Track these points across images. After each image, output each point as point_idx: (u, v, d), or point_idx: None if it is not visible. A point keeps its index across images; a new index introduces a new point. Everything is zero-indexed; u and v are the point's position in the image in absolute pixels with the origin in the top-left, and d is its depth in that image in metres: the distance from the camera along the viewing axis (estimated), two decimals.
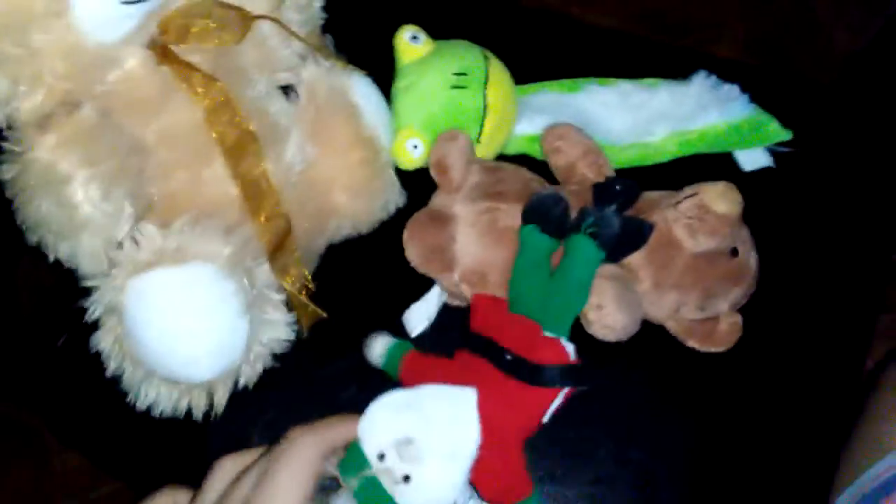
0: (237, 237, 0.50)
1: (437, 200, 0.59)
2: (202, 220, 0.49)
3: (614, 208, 0.54)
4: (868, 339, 0.60)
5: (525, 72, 0.67)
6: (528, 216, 0.54)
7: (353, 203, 0.59)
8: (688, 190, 0.55)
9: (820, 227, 0.63)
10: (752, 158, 0.64)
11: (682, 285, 0.54)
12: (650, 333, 0.55)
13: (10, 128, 0.46)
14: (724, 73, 0.66)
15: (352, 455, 0.43)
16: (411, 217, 0.58)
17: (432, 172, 0.59)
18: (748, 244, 0.56)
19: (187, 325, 0.47)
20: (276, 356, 0.54)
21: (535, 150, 0.65)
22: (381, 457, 0.43)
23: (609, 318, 0.51)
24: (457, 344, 0.52)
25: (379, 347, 0.55)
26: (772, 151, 0.64)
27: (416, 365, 0.53)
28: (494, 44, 0.66)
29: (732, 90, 0.64)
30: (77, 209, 0.44)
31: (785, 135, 0.64)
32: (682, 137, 0.63)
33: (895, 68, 0.89)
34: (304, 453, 0.41)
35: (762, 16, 1.27)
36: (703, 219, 0.53)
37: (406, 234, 0.57)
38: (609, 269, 0.53)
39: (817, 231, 0.63)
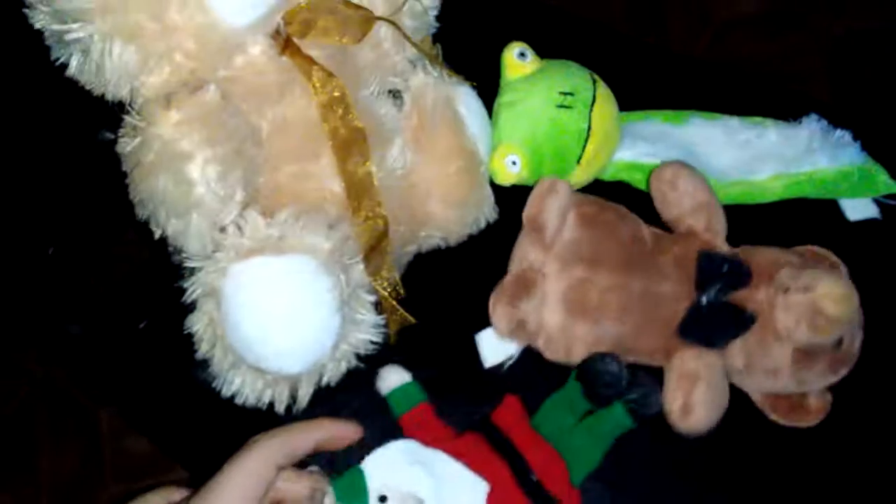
0: (338, 233, 0.50)
1: (529, 255, 0.56)
2: (306, 214, 0.49)
3: (718, 288, 0.52)
4: None
5: (626, 100, 0.66)
6: (579, 376, 0.54)
7: (447, 213, 0.59)
8: (801, 278, 0.51)
9: None
10: (859, 208, 0.62)
11: (776, 372, 0.52)
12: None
13: (131, 102, 0.47)
14: (834, 118, 0.64)
15: (351, 480, 0.45)
16: (499, 283, 0.56)
17: (525, 230, 0.57)
18: (856, 331, 0.53)
19: (284, 314, 0.47)
20: (360, 357, 0.53)
21: (633, 178, 0.64)
22: (383, 499, 0.45)
23: (694, 421, 0.50)
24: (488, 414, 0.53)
25: (394, 380, 0.55)
26: (879, 203, 0.62)
27: (424, 420, 0.52)
28: (599, 69, 0.65)
29: (844, 136, 0.62)
30: (193, 187, 0.44)
31: (894, 186, 0.62)
32: (789, 179, 0.61)
33: None
34: (257, 457, 0.42)
35: (852, 68, 1.25)
36: (813, 319, 0.50)
37: (492, 302, 0.55)
38: (703, 359, 0.51)
39: None
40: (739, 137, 0.63)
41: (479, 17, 0.73)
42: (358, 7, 0.53)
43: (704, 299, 0.52)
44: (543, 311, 0.55)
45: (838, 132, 0.62)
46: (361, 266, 0.52)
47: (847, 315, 0.50)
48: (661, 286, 0.53)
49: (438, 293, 0.61)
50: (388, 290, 0.55)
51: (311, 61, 0.50)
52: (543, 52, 0.65)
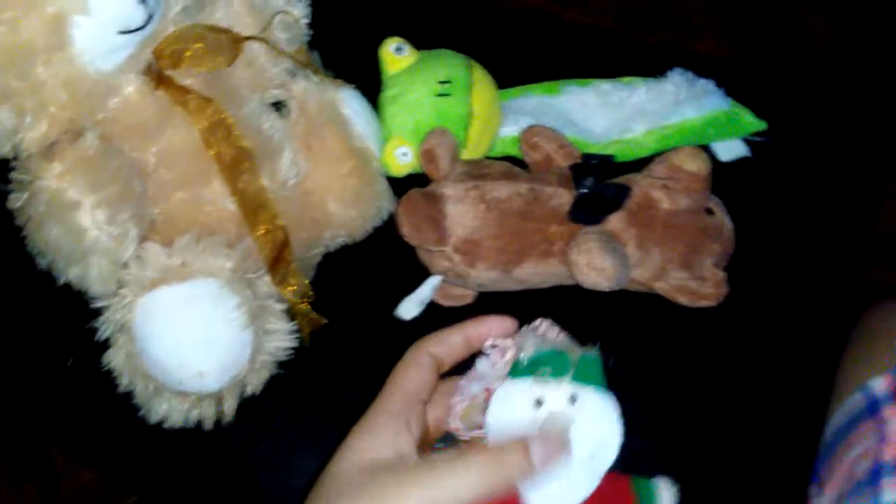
0: (238, 251, 0.52)
1: (428, 187, 0.62)
2: (204, 237, 0.51)
3: (593, 180, 0.58)
4: (852, 318, 0.63)
5: (508, 74, 0.70)
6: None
7: (347, 212, 0.61)
8: (657, 159, 0.59)
9: (799, 211, 0.65)
10: (730, 149, 0.66)
11: (664, 242, 0.58)
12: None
13: (16, 158, 0.48)
14: (701, 68, 0.68)
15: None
16: (403, 196, 0.60)
17: (421, 162, 0.62)
18: (721, 207, 0.60)
19: (195, 338, 0.49)
20: (280, 364, 0.56)
21: (519, 152, 0.67)
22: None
23: (598, 260, 0.54)
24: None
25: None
26: (749, 142, 0.67)
27: None
28: (477, 49, 0.68)
29: (708, 85, 0.66)
30: (85, 234, 0.46)
31: (760, 125, 0.66)
32: (661, 132, 0.65)
33: (870, 53, 0.91)
34: (410, 353, 0.41)
35: (741, 9, 1.29)
36: (675, 178, 0.57)
37: (399, 208, 0.59)
38: (592, 229, 0.57)
39: (796, 215, 0.65)
40: (612, 99, 0.67)
41: (353, 19, 0.75)
42: (225, 31, 0.54)
43: (585, 186, 0.59)
44: (448, 216, 0.59)
45: (702, 81, 0.66)
46: (267, 278, 0.55)
47: (703, 167, 0.57)
48: (545, 188, 0.59)
49: (353, 287, 0.64)
50: (298, 295, 0.57)
51: (185, 91, 0.52)
52: (420, 42, 0.68)
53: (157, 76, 0.51)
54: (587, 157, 0.61)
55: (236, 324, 0.50)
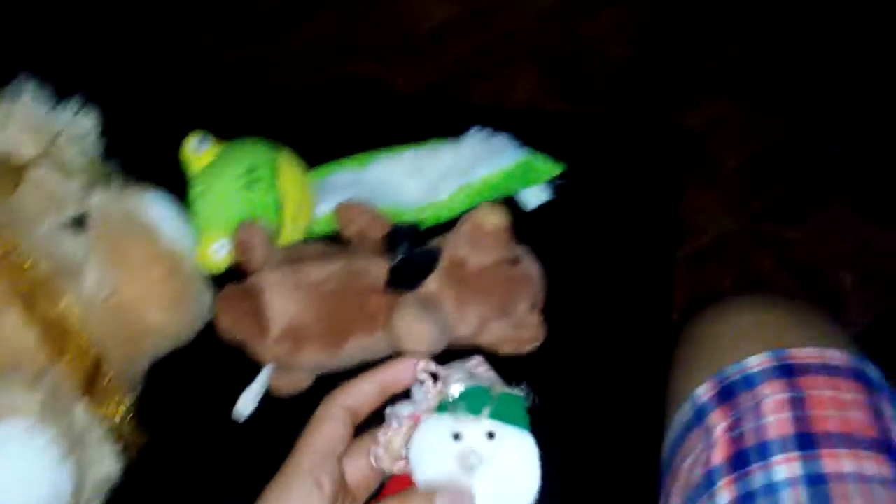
0: (46, 383, 0.50)
1: (247, 280, 0.62)
2: (6, 373, 0.49)
3: (406, 247, 0.60)
4: (665, 332, 0.67)
5: (318, 152, 0.71)
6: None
7: (167, 318, 0.60)
8: (462, 218, 0.62)
9: (604, 243, 0.69)
10: (534, 196, 0.69)
11: (478, 298, 0.60)
12: None
13: None
14: (502, 121, 0.72)
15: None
16: (218, 294, 0.60)
17: (236, 256, 0.62)
18: (528, 254, 0.63)
19: (9, 482, 0.47)
20: (112, 489, 0.54)
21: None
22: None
23: (413, 326, 0.56)
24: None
25: None
26: (551, 186, 0.70)
27: None
28: (282, 131, 0.69)
29: (502, 139, 0.69)
30: None
31: (557, 169, 0.70)
32: (467, 191, 0.68)
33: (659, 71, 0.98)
34: (323, 406, 0.43)
35: (550, 48, 1.36)
36: (478, 234, 0.60)
37: (216, 305, 0.59)
38: (410, 295, 0.59)
39: (602, 245, 0.69)
40: (418, 165, 0.69)
41: (150, 119, 0.74)
42: (1, 159, 0.53)
43: (398, 255, 0.60)
44: (268, 306, 0.59)
45: (497, 137, 0.70)
46: (83, 404, 0.53)
47: (502, 222, 0.60)
48: (361, 262, 0.61)
49: (188, 389, 0.63)
50: (122, 413, 0.56)
51: None
52: (224, 132, 0.68)
53: None
54: (396, 227, 0.63)
55: (50, 459, 0.48)
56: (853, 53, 1.29)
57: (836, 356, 0.53)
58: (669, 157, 0.75)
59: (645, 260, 0.69)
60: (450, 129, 0.72)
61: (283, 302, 0.59)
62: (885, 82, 1.31)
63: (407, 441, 0.41)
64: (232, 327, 0.58)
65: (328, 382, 0.61)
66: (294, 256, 0.62)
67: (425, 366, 0.43)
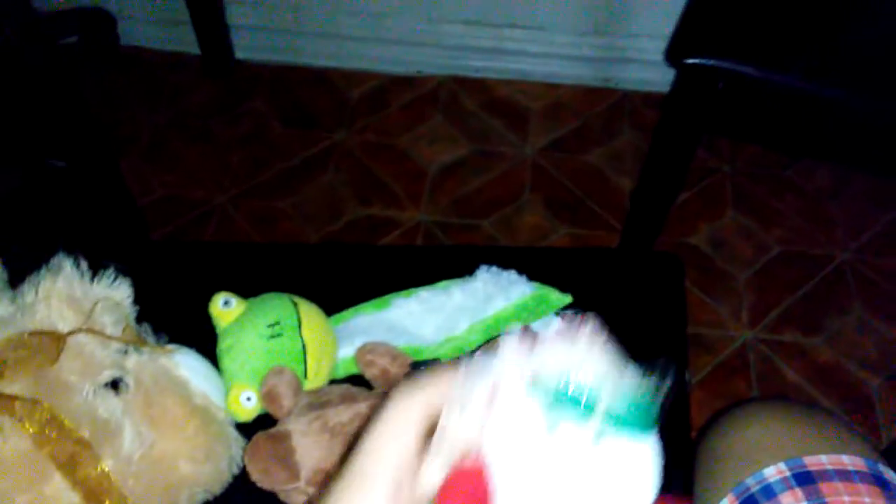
0: None
1: (276, 426, 0.64)
2: None
3: None
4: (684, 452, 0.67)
5: (339, 299, 0.75)
6: None
7: (200, 469, 0.63)
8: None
9: None
10: (545, 326, 0.72)
11: None
12: None
13: None
14: (506, 259, 0.76)
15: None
16: (248, 442, 0.63)
17: (264, 405, 0.65)
18: None
19: None
20: None
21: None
22: None
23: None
24: None
25: None
26: (560, 315, 0.73)
27: None
28: (303, 282, 0.73)
29: (511, 275, 0.73)
30: None
31: (566, 300, 0.73)
32: (482, 325, 0.71)
33: None
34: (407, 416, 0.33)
35: (556, 181, 1.43)
36: None
37: (246, 456, 0.62)
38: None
39: None
40: (433, 304, 0.73)
41: (179, 285, 0.79)
42: (45, 332, 0.57)
43: None
44: (297, 451, 0.61)
45: (506, 273, 0.73)
46: None
47: None
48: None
49: None
50: None
51: (11, 399, 0.54)
52: (247, 291, 0.73)
53: None
54: (416, 365, 0.65)
55: None
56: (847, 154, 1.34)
57: (852, 461, 0.54)
58: (672, 285, 0.78)
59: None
60: (460, 268, 0.76)
61: (310, 446, 0.61)
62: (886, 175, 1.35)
63: (480, 427, 0.31)
64: (262, 476, 0.60)
65: None
66: (320, 401, 0.64)
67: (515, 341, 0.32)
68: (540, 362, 0.31)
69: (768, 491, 0.54)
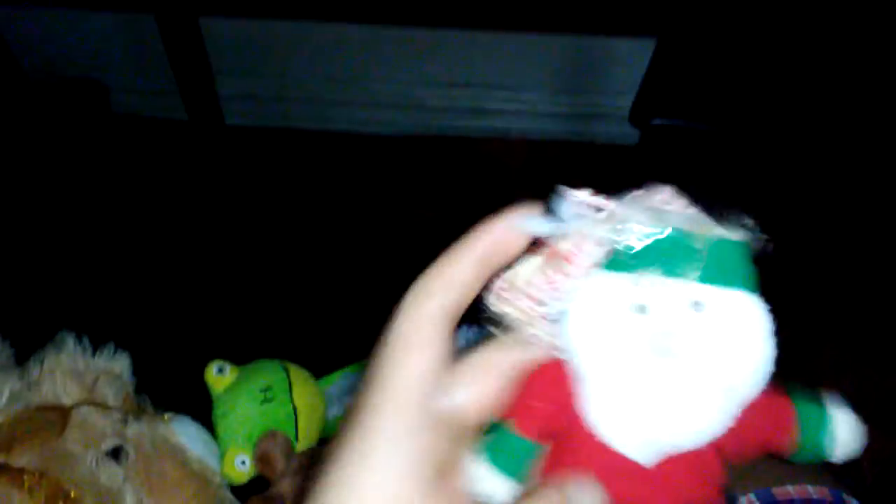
0: None
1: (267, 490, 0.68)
2: None
3: None
4: None
5: (327, 360, 0.79)
6: None
7: None
8: None
9: None
10: None
11: None
12: None
13: None
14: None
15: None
16: None
17: (258, 468, 0.68)
18: None
19: None
20: None
21: None
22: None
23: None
24: None
25: None
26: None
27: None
28: (292, 348, 0.77)
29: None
30: None
31: None
32: None
33: None
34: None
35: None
36: None
37: None
38: None
39: None
40: None
41: (175, 354, 0.83)
42: (51, 407, 0.61)
43: None
44: None
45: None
46: None
47: None
48: None
49: None
50: None
51: (20, 472, 0.57)
52: (240, 357, 0.77)
53: None
54: None
55: None
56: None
57: (817, 491, 0.58)
58: None
59: None
60: None
61: None
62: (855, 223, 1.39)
63: (541, 279, 0.26)
64: None
65: None
66: (311, 461, 0.68)
67: (583, 195, 0.26)
68: (618, 222, 0.26)
69: None
